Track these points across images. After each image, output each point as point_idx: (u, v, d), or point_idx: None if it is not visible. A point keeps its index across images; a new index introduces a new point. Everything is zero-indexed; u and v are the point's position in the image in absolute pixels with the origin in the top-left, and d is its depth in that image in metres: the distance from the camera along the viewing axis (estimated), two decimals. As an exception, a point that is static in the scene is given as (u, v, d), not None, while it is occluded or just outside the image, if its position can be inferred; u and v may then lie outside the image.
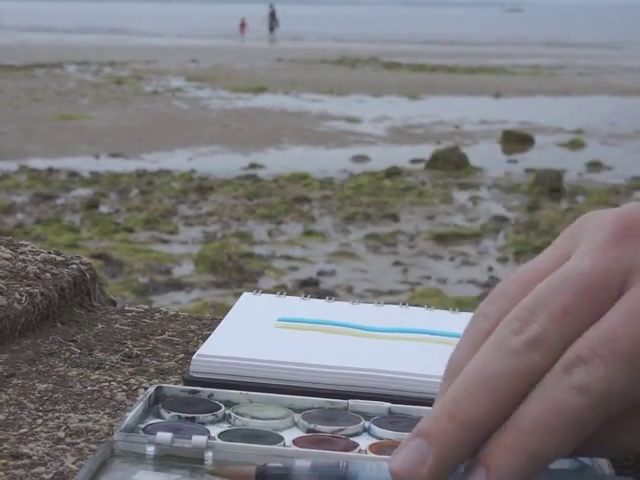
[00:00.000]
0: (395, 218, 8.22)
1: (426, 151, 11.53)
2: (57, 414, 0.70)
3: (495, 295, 0.56)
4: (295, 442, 0.62)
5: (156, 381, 0.77)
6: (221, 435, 0.63)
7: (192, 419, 0.65)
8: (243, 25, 40.95)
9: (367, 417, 0.66)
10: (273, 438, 0.62)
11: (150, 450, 0.59)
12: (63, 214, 8.00)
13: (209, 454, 0.59)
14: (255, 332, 0.79)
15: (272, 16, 41.45)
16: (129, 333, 0.88)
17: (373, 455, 0.61)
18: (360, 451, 0.62)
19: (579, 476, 0.59)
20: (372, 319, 0.82)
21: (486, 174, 10.65)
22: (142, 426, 0.63)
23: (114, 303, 0.98)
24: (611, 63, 26.87)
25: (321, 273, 6.52)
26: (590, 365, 0.52)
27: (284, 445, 0.62)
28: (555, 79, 22.00)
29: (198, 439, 0.59)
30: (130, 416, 0.63)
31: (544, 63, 26.33)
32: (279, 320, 0.81)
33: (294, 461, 0.56)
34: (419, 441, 0.53)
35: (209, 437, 0.61)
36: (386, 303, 0.89)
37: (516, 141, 12.81)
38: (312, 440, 0.63)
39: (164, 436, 0.59)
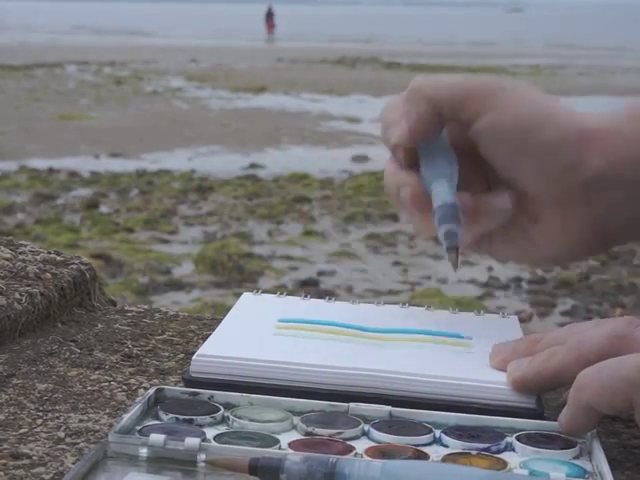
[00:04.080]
0: (395, 218, 8.21)
1: (426, 151, 11.48)
2: (57, 414, 0.70)
3: None
4: (291, 445, 0.62)
5: (156, 381, 0.77)
6: (217, 437, 0.62)
7: (190, 421, 0.65)
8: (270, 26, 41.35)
9: (367, 420, 0.66)
10: (269, 441, 0.62)
11: (143, 452, 0.59)
12: (63, 214, 7.99)
13: (202, 456, 0.58)
14: (255, 332, 0.79)
15: (269, 15, 41.54)
16: (129, 333, 0.88)
17: (367, 458, 0.61)
18: (356, 454, 0.61)
19: None
20: (372, 319, 0.82)
21: (486, 174, 10.61)
22: (139, 428, 0.63)
23: (114, 303, 0.98)
24: (611, 63, 26.84)
25: (321, 273, 6.50)
26: None
27: (279, 448, 0.61)
28: (555, 79, 21.98)
29: (191, 441, 0.59)
30: (126, 418, 0.63)
31: (544, 63, 26.30)
32: (279, 320, 0.81)
33: (287, 455, 0.57)
34: None
35: (204, 439, 0.61)
36: (386, 303, 0.89)
37: (516, 141, 12.79)
38: (308, 443, 0.62)
39: (157, 438, 0.59)
